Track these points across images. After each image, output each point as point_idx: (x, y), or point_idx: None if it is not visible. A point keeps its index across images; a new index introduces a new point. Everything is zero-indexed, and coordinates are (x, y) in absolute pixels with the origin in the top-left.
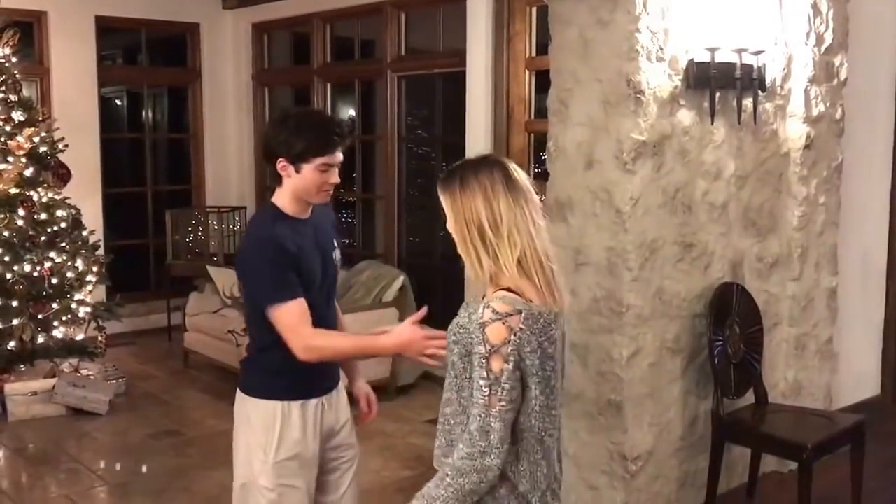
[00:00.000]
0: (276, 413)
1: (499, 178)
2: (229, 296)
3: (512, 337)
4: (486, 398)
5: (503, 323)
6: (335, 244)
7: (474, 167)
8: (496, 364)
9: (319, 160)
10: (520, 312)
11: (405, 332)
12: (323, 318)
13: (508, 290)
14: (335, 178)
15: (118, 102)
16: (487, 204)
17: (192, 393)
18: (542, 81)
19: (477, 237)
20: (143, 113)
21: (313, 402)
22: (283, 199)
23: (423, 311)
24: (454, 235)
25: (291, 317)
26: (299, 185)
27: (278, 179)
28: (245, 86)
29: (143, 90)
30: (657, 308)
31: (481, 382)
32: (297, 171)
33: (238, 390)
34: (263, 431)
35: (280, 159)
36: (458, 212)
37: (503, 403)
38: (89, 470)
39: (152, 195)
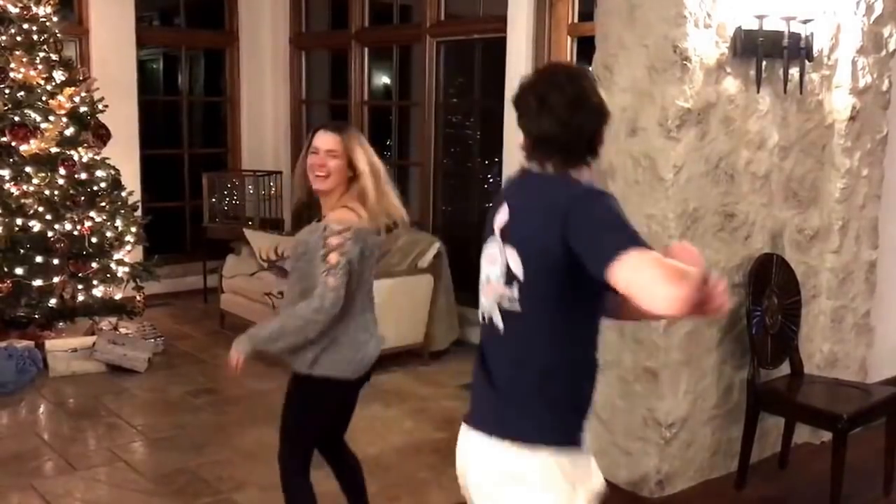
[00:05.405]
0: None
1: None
2: (266, 259)
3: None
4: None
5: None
6: None
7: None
8: (333, 258)
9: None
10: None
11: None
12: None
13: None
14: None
15: (154, 66)
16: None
17: (228, 353)
18: (584, 48)
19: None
20: (180, 76)
21: None
22: None
23: None
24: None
25: None
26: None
27: None
28: (282, 49)
29: (179, 53)
30: None
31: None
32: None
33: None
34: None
35: None
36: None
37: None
38: (129, 424)
39: (188, 158)
